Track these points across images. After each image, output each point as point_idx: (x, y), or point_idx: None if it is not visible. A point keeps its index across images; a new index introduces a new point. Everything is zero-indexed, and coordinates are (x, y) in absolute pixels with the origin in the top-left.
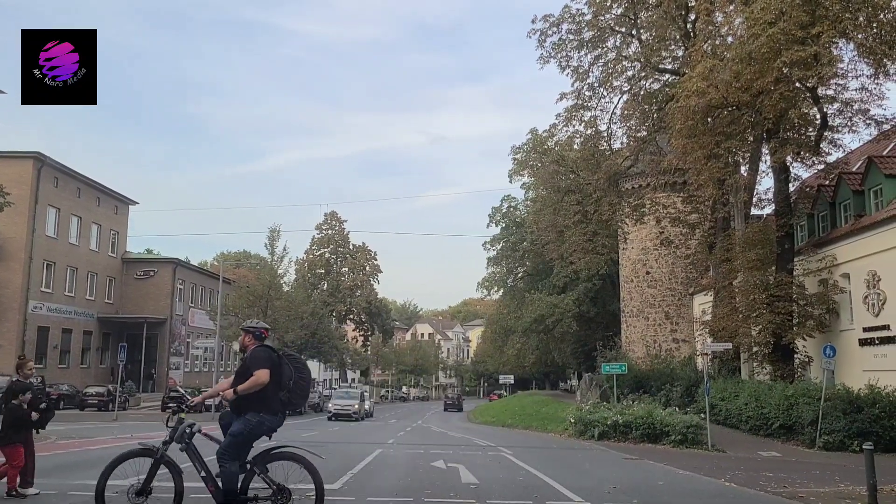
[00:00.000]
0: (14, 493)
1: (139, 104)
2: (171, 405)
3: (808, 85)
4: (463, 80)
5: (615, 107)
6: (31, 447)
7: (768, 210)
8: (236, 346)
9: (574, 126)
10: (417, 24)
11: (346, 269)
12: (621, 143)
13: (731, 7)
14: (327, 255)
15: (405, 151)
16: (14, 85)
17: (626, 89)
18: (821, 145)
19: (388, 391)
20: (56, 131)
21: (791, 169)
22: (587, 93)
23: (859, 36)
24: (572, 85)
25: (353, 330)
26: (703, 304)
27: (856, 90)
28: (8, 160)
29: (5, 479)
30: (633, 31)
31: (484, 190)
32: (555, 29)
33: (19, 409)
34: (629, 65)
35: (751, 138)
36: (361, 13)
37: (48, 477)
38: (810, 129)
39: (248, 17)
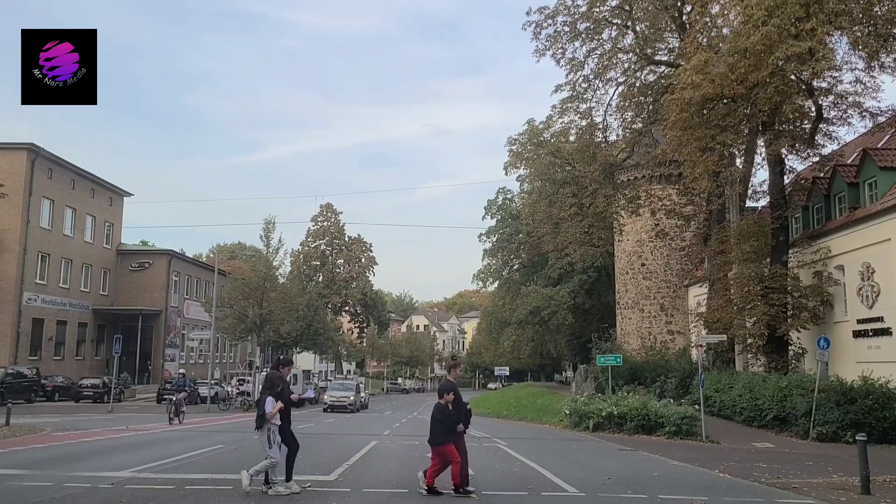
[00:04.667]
0: (461, 490)
1: (136, 95)
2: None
3: (802, 77)
4: (461, 72)
5: (610, 98)
6: (461, 446)
7: (763, 202)
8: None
9: (569, 117)
10: (415, 17)
11: (342, 260)
12: (617, 135)
13: None
14: (323, 246)
15: (402, 143)
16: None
17: (621, 81)
18: (815, 138)
19: (388, 384)
20: (50, 122)
21: (786, 161)
22: (583, 84)
23: (854, 29)
24: (567, 76)
25: (349, 322)
26: (697, 295)
27: (850, 83)
28: (1, 151)
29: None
30: (628, 23)
31: (480, 182)
32: (550, 21)
33: (445, 409)
34: (624, 56)
35: (746, 131)
36: (360, 5)
37: (44, 468)
38: (805, 122)
39: (246, 9)
